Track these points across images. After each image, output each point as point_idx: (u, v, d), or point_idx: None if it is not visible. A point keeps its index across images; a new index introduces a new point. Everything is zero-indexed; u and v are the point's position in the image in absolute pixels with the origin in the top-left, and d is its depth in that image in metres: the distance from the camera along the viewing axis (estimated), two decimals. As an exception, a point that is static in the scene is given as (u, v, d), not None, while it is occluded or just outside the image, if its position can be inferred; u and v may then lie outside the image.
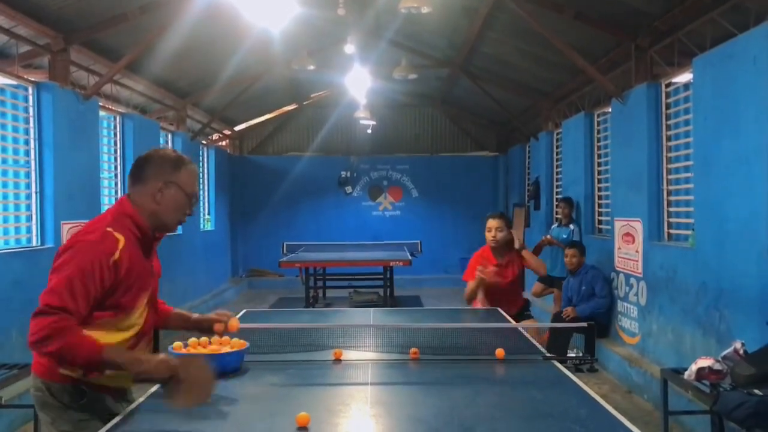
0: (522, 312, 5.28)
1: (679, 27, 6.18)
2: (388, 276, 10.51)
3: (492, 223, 5.13)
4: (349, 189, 15.17)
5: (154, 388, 2.76)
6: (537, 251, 9.13)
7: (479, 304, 5.06)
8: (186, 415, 2.42)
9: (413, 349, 3.36)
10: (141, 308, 2.54)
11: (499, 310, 4.80)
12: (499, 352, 3.29)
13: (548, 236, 8.84)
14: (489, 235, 5.12)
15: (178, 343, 3.09)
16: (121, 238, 2.42)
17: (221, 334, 2.98)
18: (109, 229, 2.41)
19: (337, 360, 3.29)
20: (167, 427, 2.31)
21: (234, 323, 2.93)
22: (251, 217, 14.96)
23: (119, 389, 2.61)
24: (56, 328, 2.18)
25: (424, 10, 6.11)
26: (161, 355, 2.36)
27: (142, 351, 2.60)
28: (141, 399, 2.65)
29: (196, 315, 3.02)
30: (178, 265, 9.63)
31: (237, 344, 3.15)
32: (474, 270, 5.04)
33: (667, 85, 6.55)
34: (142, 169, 2.56)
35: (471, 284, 5.04)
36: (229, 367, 3.00)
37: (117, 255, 2.37)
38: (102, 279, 2.33)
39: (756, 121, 4.69)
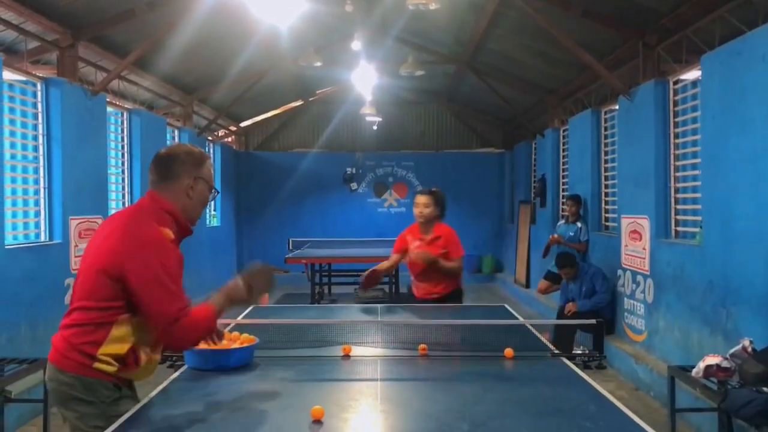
0: (448, 297, 5.15)
1: (688, 24, 6.16)
2: (394, 273, 10.50)
3: (420, 198, 5.17)
4: (354, 185, 15.18)
5: (166, 383, 2.79)
6: (546, 252, 9.14)
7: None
8: (201, 410, 2.44)
9: (422, 346, 3.38)
10: None
11: (506, 306, 4.80)
12: (508, 352, 3.28)
13: (555, 235, 8.84)
14: (416, 211, 5.17)
15: None
16: (170, 233, 2.51)
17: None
18: (156, 226, 2.48)
19: (346, 356, 3.31)
20: (180, 422, 2.33)
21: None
22: (257, 213, 14.98)
23: (131, 382, 2.62)
24: (189, 327, 2.45)
25: (432, 6, 6.11)
26: (231, 285, 2.66)
27: (160, 347, 2.65)
28: (160, 387, 2.69)
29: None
30: (184, 261, 9.63)
31: (247, 340, 3.18)
32: (400, 243, 5.30)
33: (675, 83, 6.53)
34: (170, 166, 2.60)
35: (383, 264, 5.32)
36: (240, 363, 3.02)
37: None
38: (180, 268, 2.51)
39: (764, 118, 4.68)
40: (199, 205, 2.66)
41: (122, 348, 2.44)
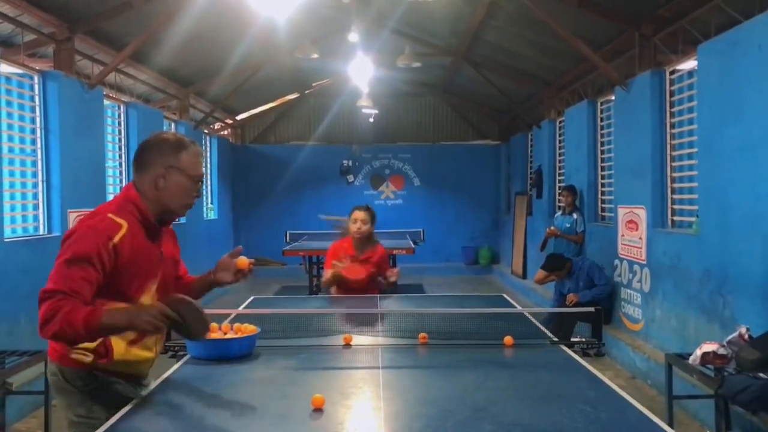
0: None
1: (684, 14, 6.18)
2: (391, 265, 10.53)
3: (358, 214, 5.06)
4: (351, 178, 15.19)
5: (169, 372, 2.81)
6: (543, 245, 9.17)
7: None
8: (204, 399, 2.46)
9: (422, 334, 3.40)
10: (149, 295, 2.52)
11: (504, 296, 4.82)
12: (508, 340, 3.32)
13: (552, 228, 8.86)
14: (354, 227, 5.05)
15: None
16: (124, 224, 2.40)
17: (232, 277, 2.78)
18: (110, 215, 2.40)
19: (347, 345, 3.33)
20: (183, 411, 2.35)
21: (243, 261, 2.75)
22: (253, 206, 14.98)
23: (134, 375, 2.62)
24: (52, 309, 2.18)
25: (429, -3, 6.11)
26: (154, 305, 2.37)
27: (152, 342, 2.59)
28: (156, 382, 2.70)
29: (208, 272, 2.85)
30: (181, 254, 9.65)
31: (249, 330, 3.20)
32: (333, 258, 5.10)
33: (672, 73, 6.55)
34: (142, 155, 2.53)
35: (328, 274, 5.08)
36: (242, 352, 3.04)
37: (117, 239, 2.35)
38: (101, 262, 2.31)
39: (761, 108, 4.71)
40: (176, 197, 2.51)
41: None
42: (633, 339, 7.01)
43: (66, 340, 2.28)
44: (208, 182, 12.67)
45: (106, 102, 7.84)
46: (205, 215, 12.13)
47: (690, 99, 6.18)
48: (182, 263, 2.88)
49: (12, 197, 6.28)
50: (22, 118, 6.41)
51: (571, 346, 3.36)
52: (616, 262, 7.60)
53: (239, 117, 15.00)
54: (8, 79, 6.25)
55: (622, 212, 7.39)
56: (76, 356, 2.43)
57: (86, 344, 2.37)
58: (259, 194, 14.95)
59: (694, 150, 6.01)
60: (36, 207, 6.53)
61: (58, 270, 2.27)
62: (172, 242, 2.74)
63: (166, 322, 2.28)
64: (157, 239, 2.57)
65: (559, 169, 10.58)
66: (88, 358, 2.44)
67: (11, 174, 6.27)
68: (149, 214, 2.49)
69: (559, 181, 10.50)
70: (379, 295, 4.95)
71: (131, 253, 2.39)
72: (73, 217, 6.72)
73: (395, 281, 5.02)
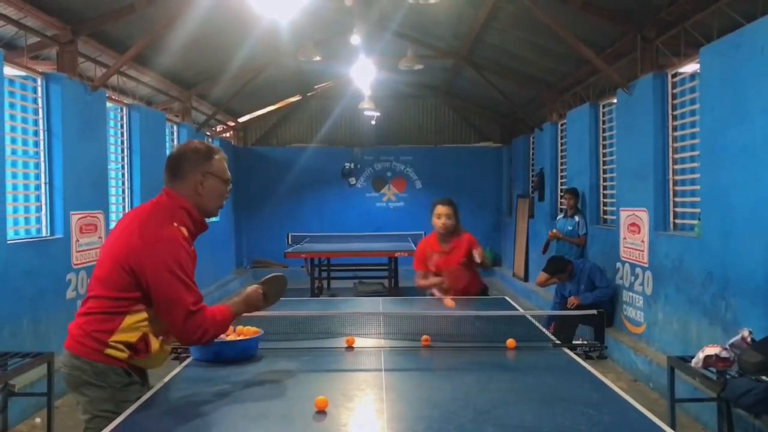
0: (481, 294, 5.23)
1: (686, 17, 6.18)
2: (393, 267, 10.55)
3: (442, 209, 5.11)
4: (353, 180, 15.19)
5: (172, 374, 2.82)
6: (545, 248, 9.16)
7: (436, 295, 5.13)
8: (207, 400, 2.47)
9: (424, 337, 3.41)
10: None
11: (507, 298, 4.82)
12: (510, 343, 3.32)
13: (554, 230, 8.86)
14: (438, 222, 5.11)
15: None
16: (184, 231, 2.61)
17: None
18: (175, 224, 2.58)
19: (350, 347, 3.34)
20: (187, 412, 2.35)
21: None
22: (255, 208, 14.99)
23: (150, 371, 2.70)
24: (203, 321, 2.52)
25: (431, 0, 6.11)
26: (249, 292, 2.83)
27: (169, 338, 2.70)
28: (167, 378, 2.73)
29: None
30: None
31: (251, 332, 3.20)
32: (422, 258, 5.18)
33: (674, 76, 6.56)
34: (178, 166, 2.70)
35: (421, 278, 5.15)
36: (245, 354, 3.05)
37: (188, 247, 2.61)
38: (193, 264, 2.60)
39: (763, 111, 4.71)
40: (213, 199, 2.73)
41: (133, 336, 2.52)
42: (635, 342, 7.01)
43: (208, 341, 2.63)
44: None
45: (108, 104, 7.85)
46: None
47: (692, 102, 6.18)
48: None
49: (15, 199, 6.28)
50: (25, 121, 6.42)
51: (573, 348, 3.36)
52: (618, 264, 7.60)
53: (241, 119, 15.00)
54: (11, 81, 6.26)
55: (624, 215, 7.39)
56: (110, 352, 2.49)
57: (127, 338, 2.50)
58: (261, 196, 14.95)
59: (697, 153, 6.01)
60: (39, 209, 6.54)
61: (180, 284, 2.48)
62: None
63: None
64: (192, 244, 2.73)
65: (561, 171, 10.58)
66: (124, 354, 2.51)
67: (14, 176, 6.28)
68: (199, 219, 2.72)
69: (561, 184, 10.50)
70: (380, 298, 4.94)
71: (188, 258, 2.59)
72: (75, 219, 6.73)
73: (482, 261, 5.01)
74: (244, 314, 2.85)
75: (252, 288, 2.85)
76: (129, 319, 2.50)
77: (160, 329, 2.59)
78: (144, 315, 2.52)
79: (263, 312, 3.81)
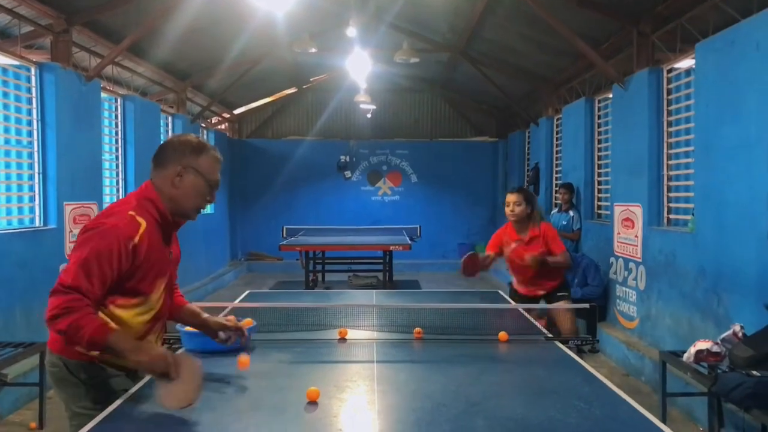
0: (554, 293, 5.15)
1: (682, 12, 6.18)
2: (388, 260, 10.55)
3: (510, 197, 5.11)
4: (348, 174, 15.18)
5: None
6: None
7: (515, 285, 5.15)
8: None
9: (417, 329, 3.42)
10: (159, 293, 2.55)
11: (500, 292, 4.83)
12: (503, 336, 3.33)
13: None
14: (507, 210, 5.10)
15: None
16: (143, 222, 2.42)
17: (224, 343, 2.90)
18: (131, 213, 2.42)
19: (343, 339, 3.35)
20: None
21: (244, 359, 2.77)
22: (250, 200, 14.97)
23: (134, 368, 2.61)
24: (66, 306, 2.22)
25: (428, -7, 6.10)
26: (161, 349, 2.36)
27: (153, 337, 2.60)
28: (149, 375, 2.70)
29: (206, 315, 2.93)
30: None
31: (244, 323, 3.19)
32: (495, 243, 5.18)
33: (669, 71, 6.56)
34: (162, 153, 2.55)
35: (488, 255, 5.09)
36: (237, 345, 3.04)
37: (137, 239, 2.38)
38: (119, 262, 2.33)
39: (758, 107, 4.72)
40: (189, 197, 2.53)
41: None
42: (628, 336, 7.03)
43: (66, 339, 2.29)
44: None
45: (103, 95, 7.82)
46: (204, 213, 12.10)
47: (687, 97, 6.19)
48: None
49: (8, 189, 6.26)
50: (18, 110, 6.39)
51: (565, 342, 3.37)
52: (612, 259, 7.62)
53: (237, 111, 14.97)
54: (5, 70, 6.23)
55: (619, 210, 7.40)
56: (81, 348, 2.41)
57: None
58: (256, 189, 14.94)
59: (691, 148, 6.02)
60: (32, 199, 6.51)
61: (76, 265, 2.28)
62: (176, 244, 2.75)
63: (160, 375, 2.24)
64: (168, 239, 2.60)
65: (556, 166, 10.59)
66: (94, 351, 2.42)
67: (7, 166, 6.26)
68: (167, 214, 2.53)
69: (556, 179, 10.51)
70: (374, 291, 4.95)
71: (148, 251, 2.42)
72: (69, 210, 6.71)
73: (552, 259, 4.98)
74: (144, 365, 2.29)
75: (164, 353, 2.31)
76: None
77: (135, 327, 2.48)
78: (114, 313, 2.42)
79: (257, 303, 3.81)
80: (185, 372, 2.23)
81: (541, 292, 5.15)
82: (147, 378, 2.61)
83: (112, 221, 2.38)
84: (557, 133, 10.51)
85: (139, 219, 2.42)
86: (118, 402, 2.36)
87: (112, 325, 2.34)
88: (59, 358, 2.49)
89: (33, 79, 6.50)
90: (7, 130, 6.24)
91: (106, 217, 2.42)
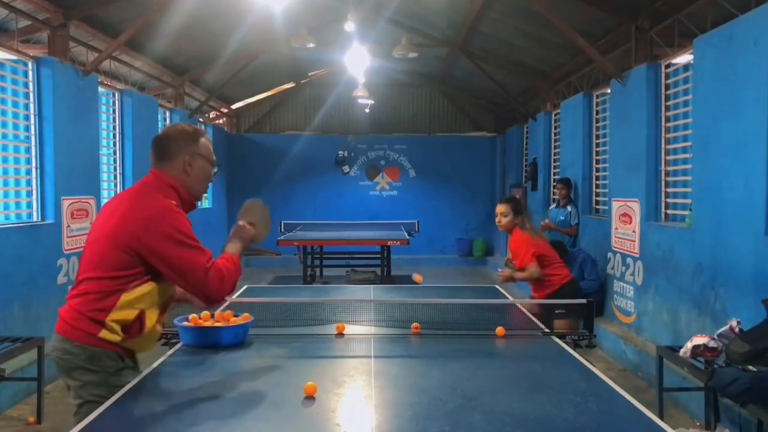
0: (559, 293, 4.96)
1: (680, 8, 6.18)
2: (386, 255, 10.56)
3: (497, 208, 5.16)
4: (346, 168, 15.17)
5: (162, 359, 2.82)
6: None
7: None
8: (197, 386, 2.47)
9: (414, 324, 3.42)
10: None
11: (497, 287, 4.84)
12: (500, 331, 3.34)
13: (546, 221, 8.88)
14: (496, 220, 5.16)
15: (193, 315, 3.15)
16: (173, 203, 2.59)
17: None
18: (162, 196, 2.56)
19: (340, 334, 3.35)
20: (176, 398, 2.36)
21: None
22: (248, 195, 14.78)
23: (142, 354, 2.68)
24: (218, 275, 2.50)
25: (426, -12, 6.09)
26: (239, 226, 2.81)
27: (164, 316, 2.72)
28: (156, 364, 2.73)
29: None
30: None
31: (241, 318, 3.20)
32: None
33: (667, 66, 6.56)
34: (166, 146, 2.67)
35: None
36: (235, 340, 3.05)
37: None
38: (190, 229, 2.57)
39: (756, 103, 4.72)
40: (200, 181, 2.71)
41: (131, 314, 2.48)
42: (625, 331, 7.05)
43: (231, 290, 2.61)
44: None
45: (100, 89, 7.80)
46: (199, 204, 12.10)
47: (685, 93, 6.19)
48: None
49: (5, 183, 6.26)
50: (15, 105, 6.37)
51: (562, 337, 3.38)
52: (610, 254, 7.63)
53: (234, 106, 14.95)
54: (2, 65, 6.21)
55: (616, 205, 7.41)
56: (105, 334, 2.46)
57: (124, 316, 2.47)
58: (254, 184, 14.92)
59: (689, 144, 6.03)
60: (29, 194, 6.50)
61: (189, 249, 2.48)
62: None
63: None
64: None
65: (554, 161, 10.60)
66: (118, 337, 2.48)
67: (5, 160, 6.25)
68: (189, 199, 2.70)
69: (554, 174, 10.51)
70: (372, 286, 4.96)
71: (187, 223, 2.57)
72: (66, 204, 6.70)
73: (519, 275, 5.00)
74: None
75: (239, 225, 2.81)
76: (126, 297, 2.46)
77: (158, 304, 2.58)
78: (141, 291, 2.49)
79: (254, 298, 3.83)
80: (256, 215, 2.90)
81: (548, 295, 5.06)
82: (148, 371, 2.64)
83: (159, 204, 2.52)
84: (555, 128, 10.51)
85: (174, 203, 2.58)
86: (118, 395, 2.37)
87: (224, 254, 2.65)
88: (78, 346, 2.48)
89: (30, 73, 6.48)
90: (4, 125, 6.22)
91: (151, 205, 2.51)
